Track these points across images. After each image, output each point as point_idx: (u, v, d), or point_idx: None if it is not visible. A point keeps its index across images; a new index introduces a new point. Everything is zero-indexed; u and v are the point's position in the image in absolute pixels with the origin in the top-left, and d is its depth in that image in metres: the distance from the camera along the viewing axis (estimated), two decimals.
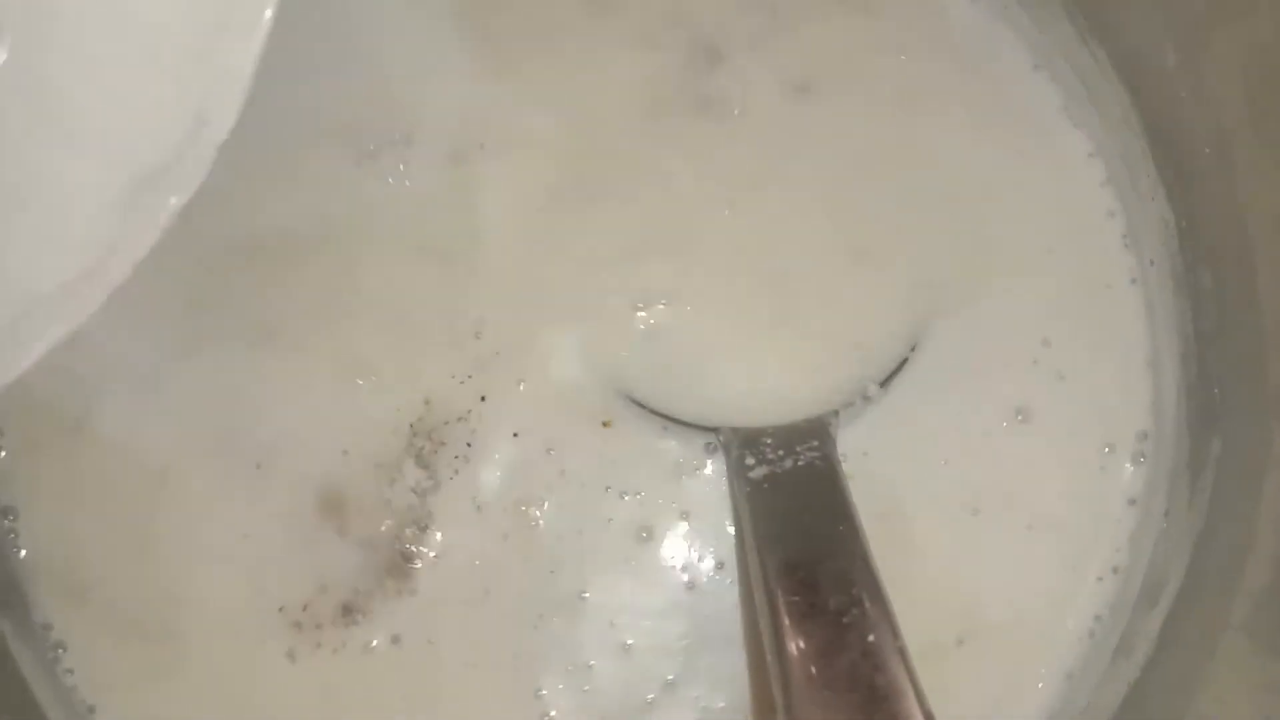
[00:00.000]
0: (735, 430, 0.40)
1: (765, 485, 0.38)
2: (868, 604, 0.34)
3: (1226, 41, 0.39)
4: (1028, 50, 0.46)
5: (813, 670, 0.33)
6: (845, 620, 0.34)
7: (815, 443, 0.39)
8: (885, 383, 0.42)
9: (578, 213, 0.44)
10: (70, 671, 0.41)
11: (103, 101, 0.28)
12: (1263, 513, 0.38)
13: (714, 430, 0.41)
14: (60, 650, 0.41)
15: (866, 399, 0.42)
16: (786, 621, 0.34)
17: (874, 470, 0.42)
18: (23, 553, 0.42)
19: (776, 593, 0.35)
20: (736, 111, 0.45)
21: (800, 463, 0.39)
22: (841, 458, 0.40)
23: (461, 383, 0.43)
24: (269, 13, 0.28)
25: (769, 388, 0.42)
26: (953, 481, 0.42)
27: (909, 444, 0.42)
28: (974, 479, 0.42)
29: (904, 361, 0.43)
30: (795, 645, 0.34)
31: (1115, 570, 0.43)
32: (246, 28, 0.28)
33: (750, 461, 0.39)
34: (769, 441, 0.39)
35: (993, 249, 0.44)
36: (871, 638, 0.33)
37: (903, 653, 0.33)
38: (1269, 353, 0.39)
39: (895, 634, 0.34)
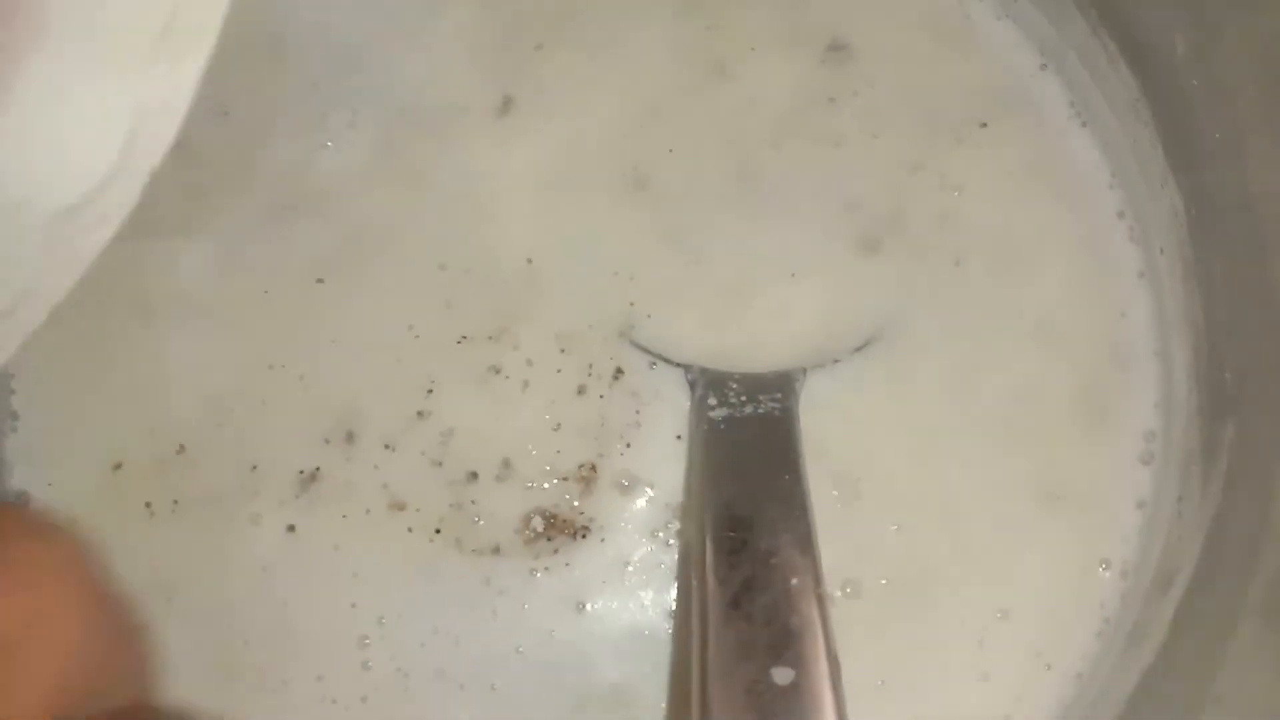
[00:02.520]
0: (704, 370, 0.41)
1: (722, 426, 0.39)
2: (796, 551, 0.35)
3: (1237, 29, 0.38)
4: (1036, 49, 0.46)
5: (733, 601, 0.34)
6: (772, 561, 0.35)
7: (778, 394, 0.40)
8: (860, 349, 0.43)
9: None
10: None
11: (23, 128, 0.22)
12: (1278, 496, 0.37)
13: (684, 367, 0.42)
14: None
15: (836, 361, 0.42)
16: (716, 554, 0.35)
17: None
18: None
19: (712, 526, 0.36)
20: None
21: (760, 410, 0.39)
22: None
23: None
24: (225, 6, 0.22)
25: (745, 340, 0.43)
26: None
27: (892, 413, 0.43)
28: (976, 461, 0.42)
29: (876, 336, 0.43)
30: (720, 576, 0.35)
31: (1125, 573, 0.42)
32: (196, 32, 0.22)
33: (713, 402, 0.40)
34: (734, 386, 0.40)
35: (991, 242, 0.44)
36: (794, 581, 0.34)
37: (821, 599, 0.34)
38: None
39: (818, 581, 0.35)
